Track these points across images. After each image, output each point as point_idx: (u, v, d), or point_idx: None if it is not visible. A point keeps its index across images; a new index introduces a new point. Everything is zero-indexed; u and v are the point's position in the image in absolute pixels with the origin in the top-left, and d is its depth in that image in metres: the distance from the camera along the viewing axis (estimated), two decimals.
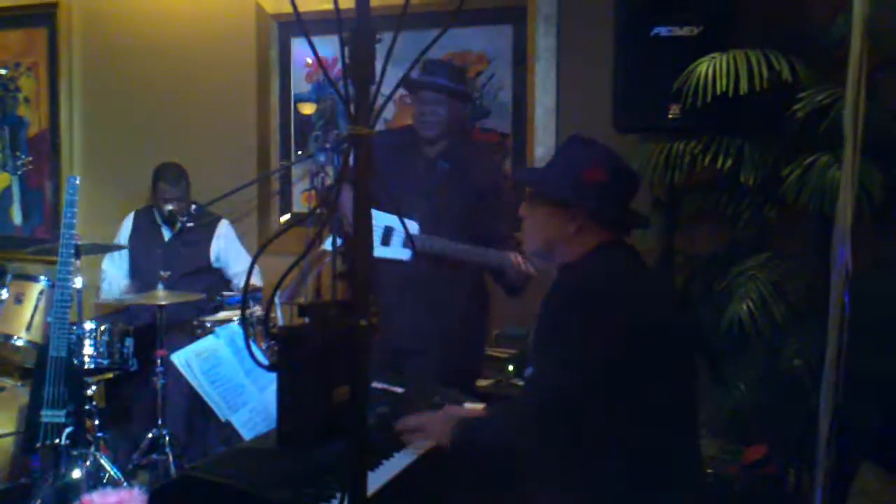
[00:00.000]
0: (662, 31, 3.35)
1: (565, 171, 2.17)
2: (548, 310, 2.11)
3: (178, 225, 4.35)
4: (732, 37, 3.25)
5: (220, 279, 4.45)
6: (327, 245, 3.38)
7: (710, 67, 3.08)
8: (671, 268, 3.60)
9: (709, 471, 3.20)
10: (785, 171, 3.04)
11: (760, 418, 3.29)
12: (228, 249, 4.46)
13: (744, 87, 3.00)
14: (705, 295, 3.50)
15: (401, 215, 3.36)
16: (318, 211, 3.24)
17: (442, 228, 3.32)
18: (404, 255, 3.31)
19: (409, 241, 3.33)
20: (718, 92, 3.02)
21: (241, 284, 4.18)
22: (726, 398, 3.30)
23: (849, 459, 2.79)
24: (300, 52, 4.67)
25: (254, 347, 2.58)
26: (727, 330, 3.17)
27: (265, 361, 1.37)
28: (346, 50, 1.36)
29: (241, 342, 2.49)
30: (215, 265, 4.45)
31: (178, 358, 2.38)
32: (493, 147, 4.28)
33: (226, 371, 2.41)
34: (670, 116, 3.33)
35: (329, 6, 1.33)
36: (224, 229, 4.48)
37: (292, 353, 1.32)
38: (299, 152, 4.64)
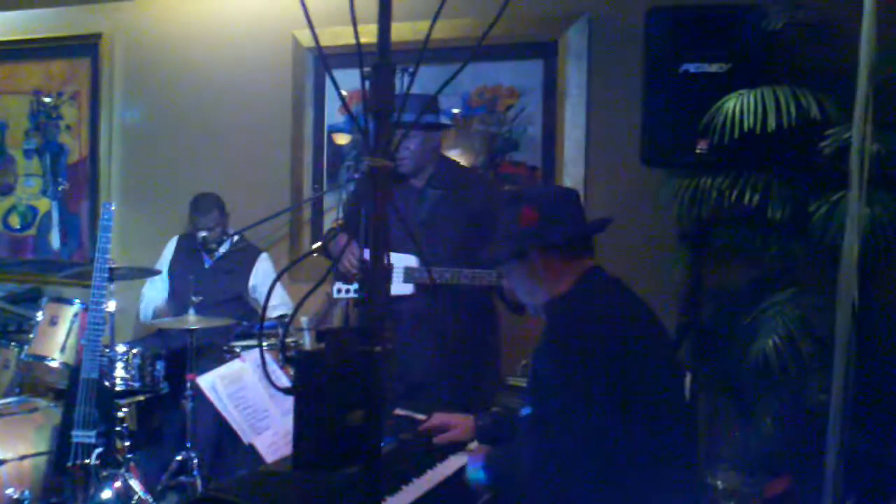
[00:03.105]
0: (691, 67, 3.37)
1: (505, 231, 2.23)
2: (538, 351, 2.12)
3: (216, 253, 4.44)
4: (761, 74, 3.27)
5: (255, 309, 4.51)
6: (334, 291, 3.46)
7: (738, 104, 3.10)
8: (698, 302, 3.60)
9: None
10: (812, 207, 3.04)
11: (785, 453, 3.26)
12: (265, 284, 4.51)
13: (771, 123, 3.02)
14: (732, 329, 3.48)
15: (406, 250, 3.39)
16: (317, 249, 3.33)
17: (441, 254, 3.35)
18: (406, 289, 3.35)
19: (413, 274, 3.37)
20: (746, 128, 3.04)
21: (274, 315, 4.24)
22: (751, 432, 3.28)
23: (875, 497, 2.76)
24: (334, 86, 4.74)
25: (278, 371, 2.62)
26: (753, 365, 3.16)
27: (289, 386, 1.40)
28: (367, 83, 1.40)
29: (267, 367, 2.53)
30: (252, 295, 4.51)
31: (204, 381, 2.42)
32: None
33: (250, 395, 2.44)
34: (698, 152, 3.34)
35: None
36: (264, 263, 4.54)
37: (308, 377, 1.35)
38: (333, 182, 4.70)
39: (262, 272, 4.51)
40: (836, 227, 2.90)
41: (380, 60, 1.39)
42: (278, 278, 1.56)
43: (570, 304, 2.13)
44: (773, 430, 3.23)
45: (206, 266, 4.49)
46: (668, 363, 2.17)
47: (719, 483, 3.33)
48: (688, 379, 3.31)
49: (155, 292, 4.56)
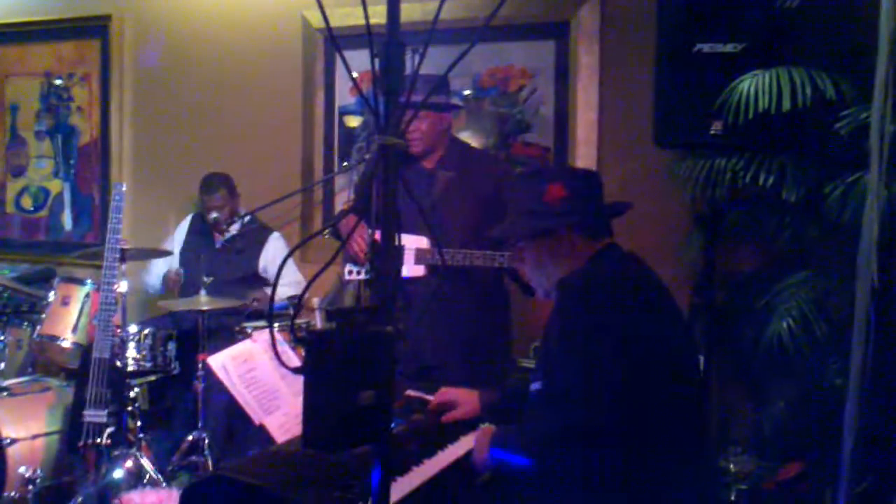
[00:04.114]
0: (705, 47, 3.33)
1: (528, 207, 2.19)
2: (549, 325, 2.10)
3: (227, 233, 4.43)
4: (776, 54, 3.23)
5: (267, 288, 4.50)
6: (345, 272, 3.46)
7: (752, 84, 3.06)
8: (712, 284, 3.58)
9: (743, 487, 3.17)
10: (827, 189, 3.01)
11: (799, 436, 3.25)
12: (275, 263, 4.50)
13: (786, 104, 2.98)
14: (746, 312, 3.46)
15: (414, 231, 3.38)
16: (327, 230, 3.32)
17: (452, 237, 3.34)
18: (418, 271, 3.34)
19: (421, 256, 3.36)
20: (760, 109, 3.01)
21: (285, 296, 4.24)
22: (764, 415, 3.27)
23: (886, 486, 2.74)
24: (344, 66, 4.72)
25: (289, 352, 2.62)
26: (767, 347, 3.14)
27: (300, 366, 1.39)
28: (377, 62, 1.39)
29: (277, 347, 2.52)
30: (262, 275, 4.51)
31: (215, 361, 2.42)
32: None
33: (261, 375, 2.44)
34: (712, 133, 3.30)
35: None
36: (274, 242, 4.53)
37: (318, 357, 1.35)
38: (344, 163, 4.70)
39: (272, 251, 4.50)
40: (852, 209, 2.87)
41: (389, 39, 1.38)
42: (286, 259, 1.55)
43: (583, 277, 2.10)
44: (787, 413, 3.21)
45: (217, 246, 4.48)
46: (682, 340, 2.15)
47: (732, 466, 3.33)
48: (700, 361, 3.30)
49: (164, 264, 4.55)
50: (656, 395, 1.96)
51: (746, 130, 3.14)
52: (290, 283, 4.36)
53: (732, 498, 3.23)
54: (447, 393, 2.57)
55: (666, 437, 1.97)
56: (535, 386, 2.11)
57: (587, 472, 1.94)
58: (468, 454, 2.26)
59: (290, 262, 4.51)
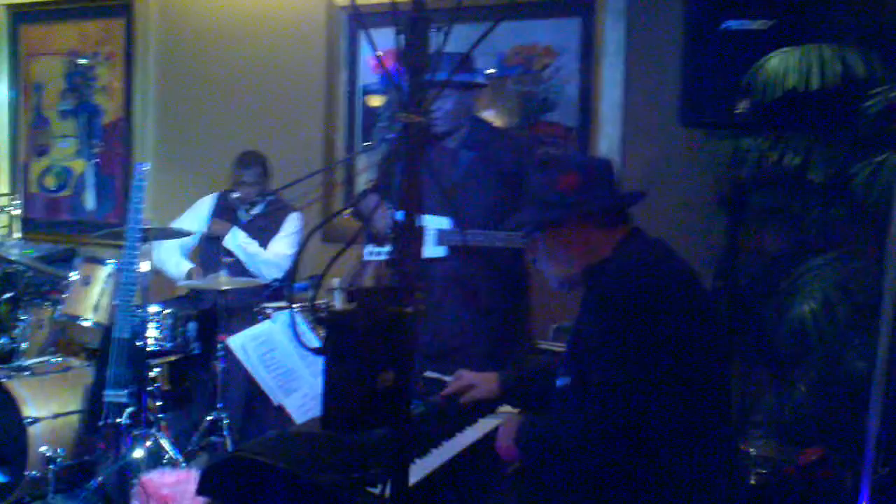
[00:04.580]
0: (733, 24, 3.27)
1: (541, 196, 2.17)
2: (581, 317, 2.08)
3: (251, 212, 4.41)
4: (805, 31, 3.17)
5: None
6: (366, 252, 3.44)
7: (780, 62, 3.00)
8: (736, 266, 3.53)
9: (763, 471, 3.14)
10: (854, 169, 2.96)
11: (821, 420, 3.21)
12: (288, 241, 4.47)
13: (815, 82, 2.92)
14: (770, 294, 3.42)
15: (434, 212, 3.35)
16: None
17: (474, 217, 3.31)
18: (438, 252, 3.32)
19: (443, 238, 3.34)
20: (789, 87, 2.95)
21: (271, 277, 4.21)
22: (786, 399, 3.23)
23: None
24: (369, 44, 4.70)
25: (309, 333, 2.61)
26: (790, 330, 3.10)
27: (319, 347, 1.38)
28: (402, 38, 1.37)
29: (297, 328, 2.52)
30: None
31: (235, 342, 2.42)
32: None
33: (280, 356, 2.44)
34: (738, 112, 3.26)
35: None
36: (292, 222, 4.51)
37: (338, 338, 1.33)
38: (366, 143, 4.67)
39: (288, 231, 4.47)
40: (880, 190, 2.81)
41: (414, 15, 1.36)
42: (308, 238, 1.54)
43: (614, 266, 2.07)
44: (809, 397, 3.17)
45: (241, 225, 4.47)
46: (713, 326, 2.12)
47: (752, 450, 3.29)
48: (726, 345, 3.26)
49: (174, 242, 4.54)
50: (689, 384, 1.93)
51: (774, 109, 3.08)
52: (277, 258, 4.34)
53: (753, 482, 3.20)
54: (466, 376, 2.55)
55: (693, 424, 1.95)
56: (561, 381, 2.07)
57: (620, 463, 1.92)
58: (487, 436, 2.24)
59: (286, 238, 4.45)
